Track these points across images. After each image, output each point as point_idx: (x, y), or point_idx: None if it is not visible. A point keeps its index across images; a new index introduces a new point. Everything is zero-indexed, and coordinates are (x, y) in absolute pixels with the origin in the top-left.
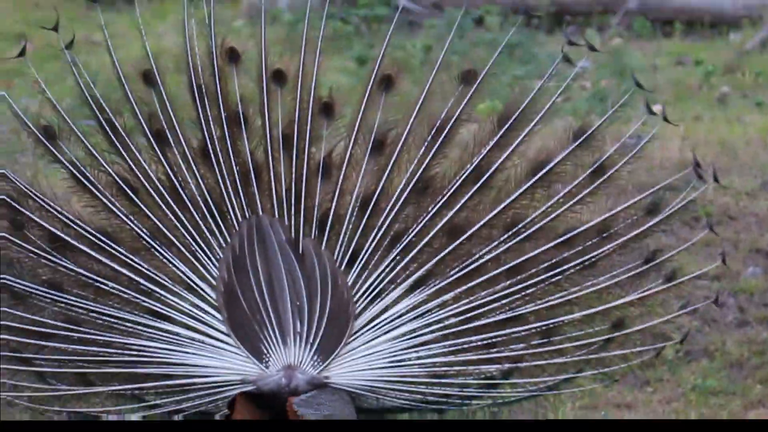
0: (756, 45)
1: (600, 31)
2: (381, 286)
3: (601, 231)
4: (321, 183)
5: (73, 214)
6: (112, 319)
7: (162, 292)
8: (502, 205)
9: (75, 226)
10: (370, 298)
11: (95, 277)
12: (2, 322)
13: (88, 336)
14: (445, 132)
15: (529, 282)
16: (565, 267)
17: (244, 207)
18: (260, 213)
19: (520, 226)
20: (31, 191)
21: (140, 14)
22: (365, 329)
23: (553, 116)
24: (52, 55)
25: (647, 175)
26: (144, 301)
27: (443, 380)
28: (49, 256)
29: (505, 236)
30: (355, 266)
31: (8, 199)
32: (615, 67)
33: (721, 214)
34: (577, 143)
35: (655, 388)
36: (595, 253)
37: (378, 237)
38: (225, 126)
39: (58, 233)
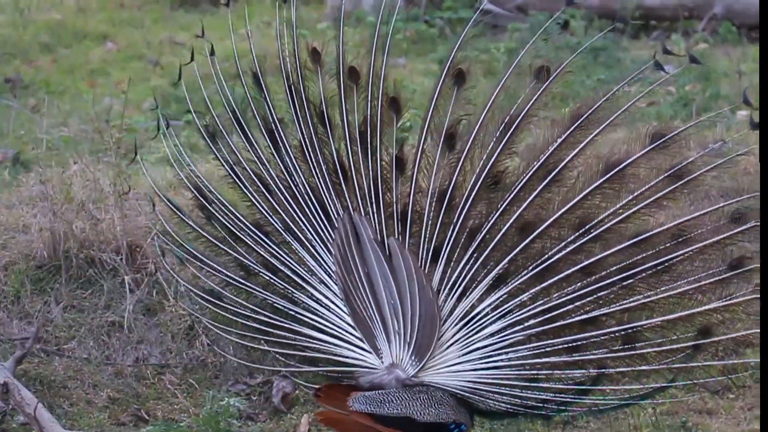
0: None
1: (685, 37)
2: (464, 284)
3: (676, 236)
4: (397, 179)
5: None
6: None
7: (305, 285)
8: (571, 204)
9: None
10: (455, 297)
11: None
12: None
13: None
14: (514, 127)
15: (602, 284)
16: (637, 270)
17: (338, 204)
18: (351, 210)
19: (589, 226)
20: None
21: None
22: (454, 329)
23: (636, 120)
24: (136, 55)
25: (731, 180)
26: (293, 293)
27: (538, 384)
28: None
29: (575, 236)
30: (438, 264)
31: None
32: (700, 72)
33: None
34: (653, 146)
35: (737, 395)
36: (669, 257)
37: (455, 234)
38: (311, 125)
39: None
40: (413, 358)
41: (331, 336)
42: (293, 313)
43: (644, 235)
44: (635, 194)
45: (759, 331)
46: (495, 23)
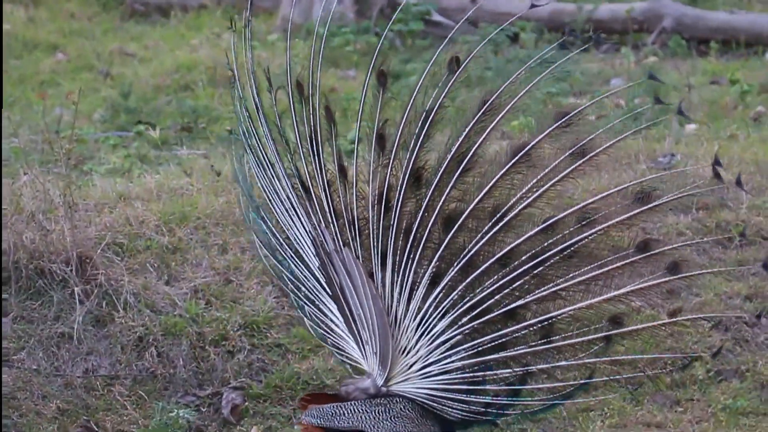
0: None
1: (635, 50)
2: (409, 287)
3: (581, 219)
4: (344, 187)
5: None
6: None
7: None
8: (483, 192)
9: None
10: (405, 301)
11: None
12: None
13: None
14: (429, 121)
15: (516, 273)
16: (546, 256)
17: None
18: (315, 223)
19: (501, 213)
20: None
21: (176, 27)
22: (408, 335)
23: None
24: (86, 65)
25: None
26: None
27: (478, 387)
28: None
29: (489, 225)
30: (386, 269)
31: None
32: (650, 85)
33: (755, 234)
34: (556, 125)
35: (685, 408)
36: (575, 240)
37: (394, 236)
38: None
39: None
40: (380, 368)
41: (342, 338)
42: (320, 315)
43: (551, 220)
44: (540, 176)
45: (671, 320)
46: (444, 35)
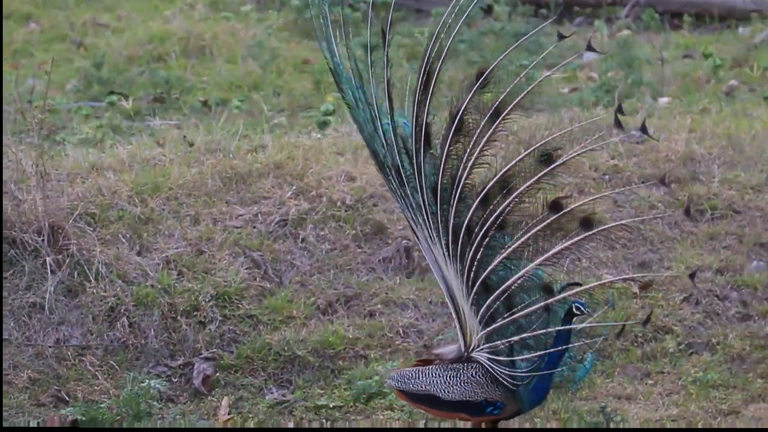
0: (765, 39)
1: (608, 23)
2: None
3: (503, 187)
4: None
5: None
6: None
7: None
8: (440, 168)
9: None
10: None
11: None
12: None
13: None
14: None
15: (475, 244)
16: (487, 227)
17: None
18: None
19: (455, 187)
20: None
21: None
22: (465, 303)
23: (560, 106)
24: (59, 36)
25: (653, 168)
26: None
27: (496, 357)
28: None
29: (453, 199)
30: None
31: None
32: (622, 58)
33: (726, 207)
34: (477, 85)
35: (655, 381)
36: (501, 209)
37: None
38: None
39: None
40: (461, 333)
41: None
42: None
43: (483, 191)
44: (471, 142)
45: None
46: (419, 8)
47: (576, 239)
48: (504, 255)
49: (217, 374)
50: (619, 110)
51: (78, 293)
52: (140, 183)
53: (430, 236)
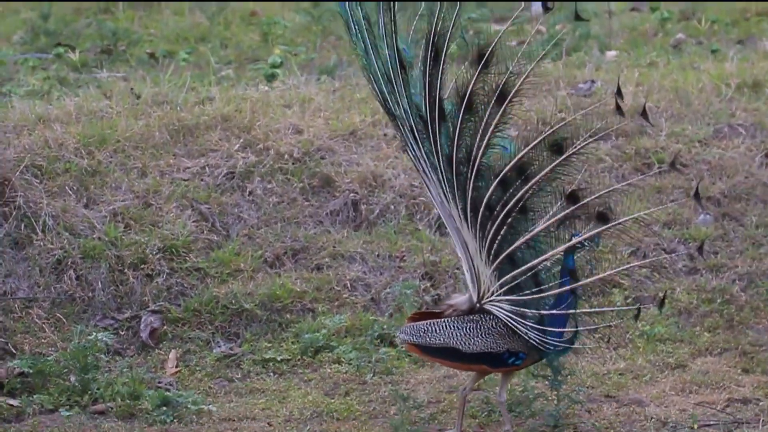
0: None
1: None
2: (461, 220)
3: (520, 173)
4: None
5: None
6: None
7: None
8: (455, 142)
9: None
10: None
11: None
12: None
13: None
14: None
15: (498, 221)
16: (509, 208)
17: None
18: None
19: (471, 161)
20: None
21: None
22: (478, 257)
23: (507, 60)
24: None
25: (600, 121)
26: None
27: (525, 321)
28: None
29: (468, 171)
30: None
31: None
32: (570, 12)
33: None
34: (479, 67)
35: (603, 335)
36: (521, 194)
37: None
38: None
39: None
40: (472, 284)
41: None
42: None
43: (501, 174)
44: (482, 122)
45: (623, 268)
46: None
47: (593, 232)
48: (527, 237)
49: (165, 327)
50: (619, 93)
51: (25, 245)
52: (87, 135)
53: (444, 195)
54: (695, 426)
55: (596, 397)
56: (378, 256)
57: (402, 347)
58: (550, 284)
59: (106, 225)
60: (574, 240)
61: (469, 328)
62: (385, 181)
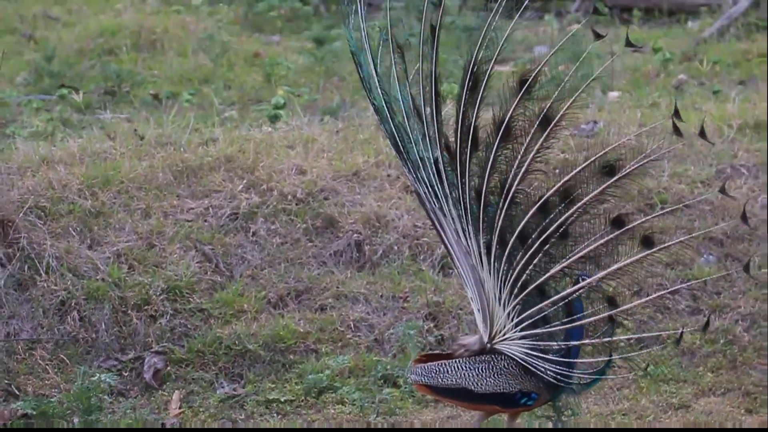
0: (713, 33)
1: (558, 17)
2: (480, 250)
3: (564, 197)
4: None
5: None
6: None
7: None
8: (487, 170)
9: None
10: (482, 264)
11: None
12: None
13: None
14: None
15: (532, 250)
16: (548, 234)
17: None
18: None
19: (505, 190)
20: None
21: None
22: (492, 297)
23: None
24: (9, 28)
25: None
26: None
27: (546, 356)
28: None
29: (501, 201)
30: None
31: None
32: (573, 53)
33: (676, 201)
34: (521, 93)
35: (640, 362)
36: (564, 218)
37: (450, 205)
38: None
39: None
40: (484, 324)
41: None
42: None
43: (543, 199)
44: (523, 148)
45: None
46: (370, 2)
47: (637, 257)
48: (564, 264)
49: (168, 368)
50: (676, 115)
51: (28, 287)
52: (91, 176)
53: (463, 230)
54: None
55: None
56: (381, 296)
57: (412, 387)
58: (583, 314)
59: (110, 266)
60: (584, 282)
61: (481, 369)
62: (388, 222)
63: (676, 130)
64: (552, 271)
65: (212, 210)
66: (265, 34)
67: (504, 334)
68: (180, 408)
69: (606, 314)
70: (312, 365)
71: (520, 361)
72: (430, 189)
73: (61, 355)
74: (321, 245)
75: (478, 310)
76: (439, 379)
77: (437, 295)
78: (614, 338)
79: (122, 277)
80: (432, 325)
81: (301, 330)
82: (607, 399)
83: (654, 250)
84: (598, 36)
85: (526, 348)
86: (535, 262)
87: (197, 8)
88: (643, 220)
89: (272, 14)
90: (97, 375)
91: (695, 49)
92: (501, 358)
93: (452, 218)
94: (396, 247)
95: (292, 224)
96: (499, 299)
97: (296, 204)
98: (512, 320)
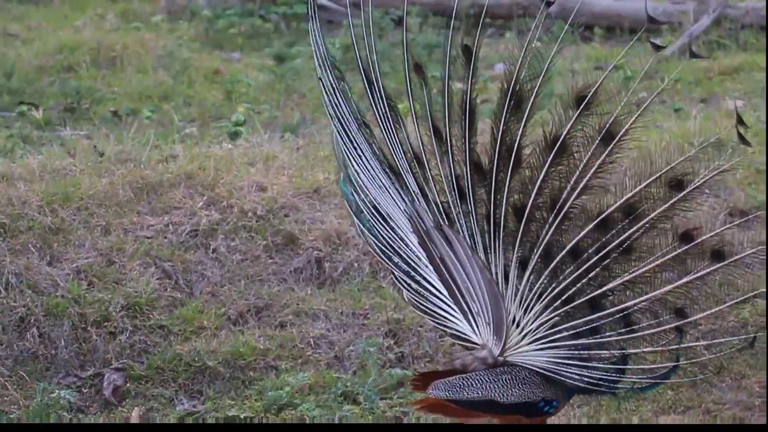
0: (675, 51)
1: (520, 35)
2: (502, 267)
3: (628, 212)
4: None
5: None
6: None
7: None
8: (536, 185)
9: None
10: (502, 279)
11: None
12: None
13: None
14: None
15: (587, 265)
16: (608, 249)
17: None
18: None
19: (558, 206)
20: None
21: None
22: (512, 310)
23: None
24: None
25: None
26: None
27: (588, 363)
28: None
29: (552, 217)
30: (478, 250)
31: None
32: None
33: (739, 215)
34: (579, 110)
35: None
36: (627, 235)
37: (475, 220)
38: None
39: None
40: (495, 338)
41: (447, 313)
42: (419, 290)
43: (604, 214)
44: (581, 166)
45: (731, 304)
46: (330, 19)
47: (706, 270)
48: (628, 278)
49: (128, 385)
50: (740, 122)
51: None
52: (51, 193)
53: (487, 246)
54: None
55: None
56: (341, 313)
57: (415, 408)
58: (643, 324)
59: (69, 283)
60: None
61: (505, 380)
62: (348, 239)
63: (743, 139)
64: (610, 285)
65: (172, 227)
66: (226, 51)
67: (520, 346)
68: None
69: (673, 325)
70: (272, 382)
71: (542, 371)
72: (435, 206)
73: (21, 372)
74: (281, 262)
75: (487, 323)
76: (465, 393)
77: (397, 312)
78: (682, 346)
79: (82, 294)
80: (392, 342)
81: (261, 347)
82: (568, 416)
83: (725, 263)
84: (657, 48)
85: (555, 358)
86: (590, 276)
87: (157, 25)
88: (712, 234)
89: (232, 31)
90: (57, 391)
91: (657, 67)
92: (519, 369)
93: (472, 234)
94: (356, 264)
95: (253, 241)
96: (525, 311)
97: (256, 221)
98: (536, 331)
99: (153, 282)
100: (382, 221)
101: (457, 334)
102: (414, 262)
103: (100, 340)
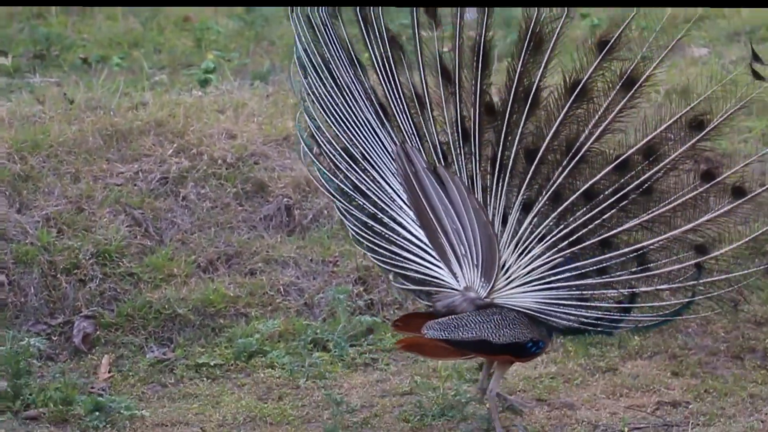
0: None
1: None
2: (501, 209)
3: (648, 155)
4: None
5: None
6: None
7: (387, 209)
8: (553, 129)
9: None
10: (499, 222)
11: None
12: None
13: None
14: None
15: (602, 207)
16: (626, 191)
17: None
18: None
19: (574, 149)
20: None
21: None
22: (507, 252)
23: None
24: None
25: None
26: (380, 216)
27: (588, 303)
28: None
29: (567, 160)
30: (476, 192)
31: None
32: (502, 18)
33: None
34: (602, 55)
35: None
36: (647, 176)
37: (477, 162)
38: None
39: None
40: (482, 280)
41: (416, 256)
42: (384, 233)
43: (622, 157)
44: (602, 109)
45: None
46: None
47: (729, 207)
48: (644, 219)
49: (98, 332)
50: (756, 58)
51: None
52: (20, 140)
53: (487, 187)
54: (625, 429)
55: (528, 400)
56: (311, 261)
57: (396, 346)
58: (659, 262)
59: (39, 230)
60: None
61: (497, 320)
62: (317, 187)
63: (757, 75)
64: (627, 225)
65: (142, 174)
66: None
67: (509, 288)
68: (109, 372)
69: (693, 262)
70: (242, 329)
71: (531, 312)
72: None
73: None
74: (251, 210)
75: (475, 265)
76: (460, 333)
77: (366, 259)
78: (700, 281)
79: (51, 242)
80: (362, 289)
81: (231, 294)
82: (535, 362)
83: (745, 199)
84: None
85: (548, 299)
86: (605, 217)
87: None
88: (732, 171)
89: None
90: (26, 339)
91: (624, 14)
92: (508, 311)
93: (472, 176)
94: (326, 212)
95: (222, 189)
96: (521, 254)
97: (226, 168)
98: (530, 274)
99: (123, 229)
100: (351, 161)
101: (424, 278)
102: (385, 203)
103: (70, 287)
